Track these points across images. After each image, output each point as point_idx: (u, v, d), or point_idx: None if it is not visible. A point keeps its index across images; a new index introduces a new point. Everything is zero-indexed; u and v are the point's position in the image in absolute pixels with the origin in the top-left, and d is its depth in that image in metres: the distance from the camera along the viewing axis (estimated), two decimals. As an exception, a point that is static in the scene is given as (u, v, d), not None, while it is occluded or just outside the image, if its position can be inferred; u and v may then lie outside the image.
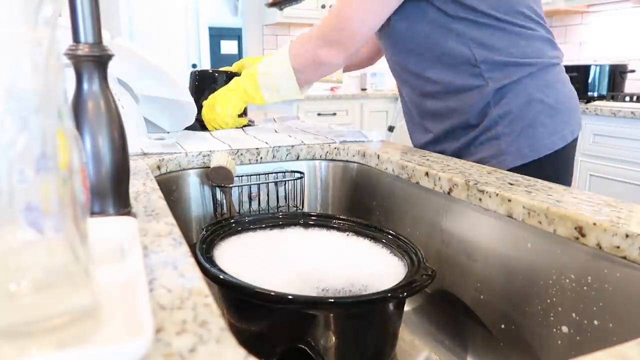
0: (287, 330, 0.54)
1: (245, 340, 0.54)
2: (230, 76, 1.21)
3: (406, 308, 0.74)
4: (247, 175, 0.91)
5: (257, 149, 0.93)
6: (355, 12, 0.89)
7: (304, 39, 0.97)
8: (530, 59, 0.89)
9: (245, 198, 0.92)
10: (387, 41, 0.99)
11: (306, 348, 0.52)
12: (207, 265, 0.54)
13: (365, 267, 0.60)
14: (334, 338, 0.52)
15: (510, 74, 0.88)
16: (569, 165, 0.94)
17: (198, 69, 1.34)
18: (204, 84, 1.22)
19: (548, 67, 0.91)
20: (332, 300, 0.52)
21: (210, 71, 1.23)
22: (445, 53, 0.90)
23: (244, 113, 1.28)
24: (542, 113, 0.89)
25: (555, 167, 0.91)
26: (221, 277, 0.52)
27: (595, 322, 0.49)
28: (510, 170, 0.87)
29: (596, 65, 2.79)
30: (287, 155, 0.96)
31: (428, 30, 0.90)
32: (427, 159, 0.82)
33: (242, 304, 0.55)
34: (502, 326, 0.61)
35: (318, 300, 0.52)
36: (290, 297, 0.49)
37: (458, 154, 0.95)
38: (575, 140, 0.93)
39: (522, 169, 0.86)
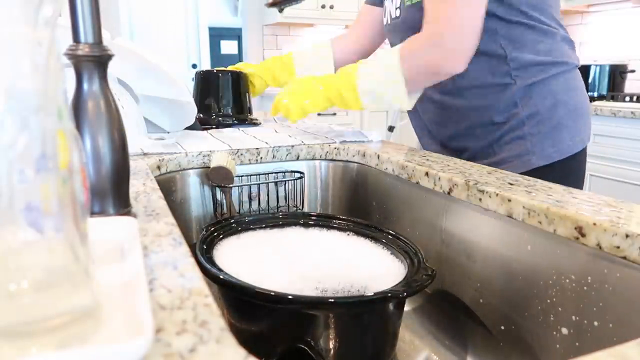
0: (287, 330, 0.54)
1: (245, 340, 0.54)
2: (235, 75, 1.23)
3: (406, 308, 0.74)
4: (247, 175, 0.91)
5: (257, 149, 0.93)
6: (465, 12, 0.81)
7: (416, 45, 0.86)
8: (556, 59, 0.90)
9: (245, 198, 0.92)
10: (406, 34, 0.91)
11: (306, 348, 0.52)
12: (207, 265, 0.54)
13: (365, 267, 0.60)
14: (334, 338, 0.52)
15: (537, 73, 0.89)
16: (583, 169, 0.96)
17: (202, 69, 1.36)
18: (208, 84, 1.23)
19: (570, 70, 0.93)
20: (332, 300, 0.52)
21: (215, 71, 1.24)
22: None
23: (248, 111, 1.29)
24: (566, 116, 0.90)
25: (573, 169, 0.93)
26: (221, 277, 0.52)
27: (595, 323, 0.49)
28: (533, 170, 0.89)
29: (596, 65, 2.79)
30: (287, 155, 0.96)
31: None
32: (427, 159, 0.82)
33: (242, 304, 0.55)
34: (502, 326, 0.61)
35: (318, 301, 0.52)
36: (290, 297, 0.49)
37: (480, 153, 0.96)
38: (586, 145, 0.95)
39: (545, 170, 0.88)
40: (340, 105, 0.91)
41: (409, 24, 0.94)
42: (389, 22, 1.05)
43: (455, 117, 0.98)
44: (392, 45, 1.02)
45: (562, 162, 0.90)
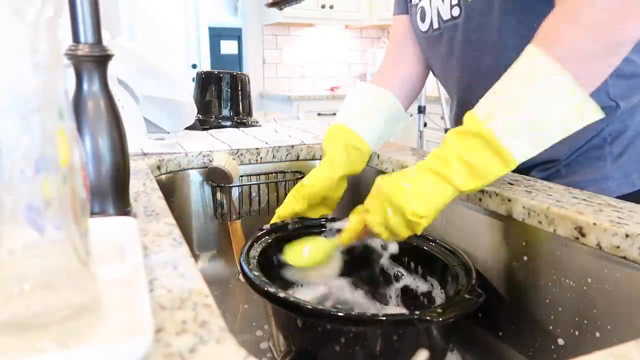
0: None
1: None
2: (235, 77, 1.24)
3: (406, 308, 0.74)
4: (247, 175, 0.91)
5: (257, 149, 0.93)
6: None
7: (573, 17, 0.51)
8: None
9: (245, 198, 0.92)
10: (468, 40, 0.73)
11: None
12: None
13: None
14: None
15: (638, 91, 0.71)
16: None
17: (202, 69, 1.38)
18: (209, 85, 1.24)
19: None
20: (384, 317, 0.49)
21: (216, 72, 1.25)
22: None
23: (248, 114, 1.29)
24: None
25: None
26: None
27: (595, 323, 0.49)
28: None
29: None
30: (287, 155, 0.96)
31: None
32: (427, 159, 0.82)
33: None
34: (502, 326, 0.61)
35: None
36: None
37: (546, 178, 0.75)
38: None
39: (626, 199, 0.65)
40: (468, 184, 0.52)
41: (477, 23, 0.71)
42: (434, 27, 0.79)
43: None
44: (434, 66, 0.83)
45: None
